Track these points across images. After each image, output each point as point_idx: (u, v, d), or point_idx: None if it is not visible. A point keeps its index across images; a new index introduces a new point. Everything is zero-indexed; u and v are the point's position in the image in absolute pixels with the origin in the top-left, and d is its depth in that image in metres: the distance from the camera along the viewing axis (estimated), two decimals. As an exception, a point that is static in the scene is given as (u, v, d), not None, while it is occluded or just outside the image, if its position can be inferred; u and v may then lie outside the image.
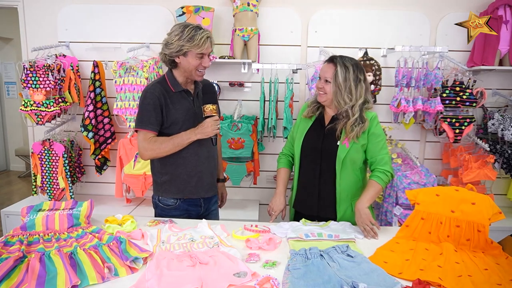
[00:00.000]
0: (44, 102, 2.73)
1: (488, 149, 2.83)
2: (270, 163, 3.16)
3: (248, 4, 2.83)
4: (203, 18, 2.85)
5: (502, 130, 2.81)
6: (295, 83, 3.00)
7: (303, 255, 1.44)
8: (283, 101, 2.89)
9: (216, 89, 2.20)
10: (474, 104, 2.75)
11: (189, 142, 1.87)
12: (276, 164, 2.13)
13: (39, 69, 2.72)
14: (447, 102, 2.74)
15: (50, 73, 2.72)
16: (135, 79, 2.77)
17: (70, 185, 2.91)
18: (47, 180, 2.93)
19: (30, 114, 2.78)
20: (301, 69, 2.93)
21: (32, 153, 2.93)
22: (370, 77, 2.79)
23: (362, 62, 2.79)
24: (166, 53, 1.84)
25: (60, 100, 2.83)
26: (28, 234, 1.58)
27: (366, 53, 2.88)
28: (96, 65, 2.91)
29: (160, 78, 1.95)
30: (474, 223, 1.60)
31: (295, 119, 2.12)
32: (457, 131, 2.81)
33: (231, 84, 3.06)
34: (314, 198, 1.93)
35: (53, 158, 2.89)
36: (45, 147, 2.88)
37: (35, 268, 1.33)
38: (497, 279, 1.36)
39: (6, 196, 5.13)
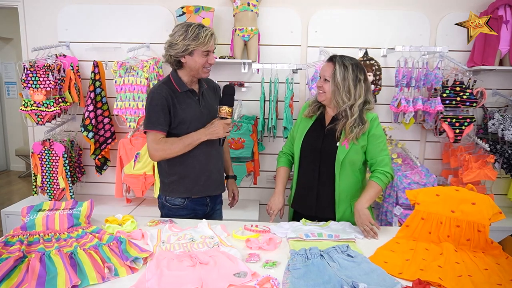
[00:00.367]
0: (44, 102, 2.73)
1: (488, 149, 2.83)
2: (270, 163, 3.16)
3: (248, 4, 2.83)
4: (203, 18, 2.85)
5: (502, 130, 2.81)
6: (295, 83, 3.00)
7: (303, 255, 1.44)
8: (283, 101, 2.89)
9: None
10: (474, 104, 2.75)
11: (199, 142, 1.88)
12: (276, 163, 2.13)
13: (39, 69, 2.72)
14: (447, 102, 2.74)
15: (50, 73, 2.72)
16: (135, 79, 2.77)
17: (70, 185, 2.91)
18: (47, 180, 2.93)
19: (30, 114, 2.78)
20: (301, 69, 2.93)
21: (32, 153, 2.93)
22: (370, 77, 2.79)
23: (362, 62, 2.79)
24: (172, 54, 1.84)
25: (60, 100, 2.83)
26: (28, 234, 1.58)
27: (366, 53, 2.88)
28: (96, 65, 2.91)
29: (165, 79, 1.94)
30: (474, 223, 1.60)
31: (295, 119, 2.12)
32: (457, 131, 2.81)
33: (231, 84, 3.06)
34: (313, 198, 1.93)
35: (53, 158, 2.89)
36: (45, 147, 2.88)
37: (35, 268, 1.33)
38: (497, 279, 1.36)
39: (6, 196, 5.13)
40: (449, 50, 2.75)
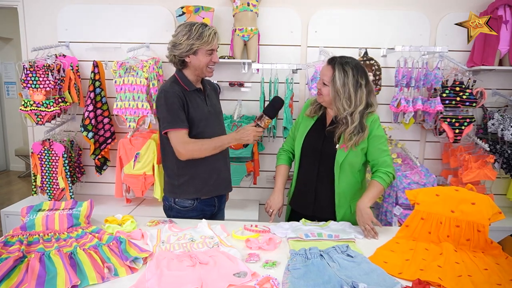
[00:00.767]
0: (44, 102, 2.73)
1: (488, 149, 2.83)
2: (270, 163, 3.16)
3: (248, 4, 2.83)
4: (203, 18, 2.85)
5: (502, 130, 2.81)
6: (295, 83, 3.00)
7: (303, 255, 1.44)
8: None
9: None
10: (474, 104, 2.75)
11: (228, 146, 1.88)
12: (276, 161, 2.12)
13: (39, 69, 2.72)
14: (447, 102, 2.74)
15: (50, 73, 2.72)
16: (135, 79, 2.77)
17: (70, 185, 2.91)
18: (47, 180, 2.93)
19: (30, 114, 2.78)
20: (301, 69, 2.93)
21: (32, 153, 2.93)
22: (370, 77, 2.79)
23: (362, 62, 2.79)
24: (176, 54, 1.84)
25: (60, 100, 2.83)
26: (28, 234, 1.58)
27: (366, 53, 2.88)
28: (96, 65, 2.91)
29: (172, 78, 1.93)
30: (474, 223, 1.60)
31: (295, 119, 2.11)
32: (457, 131, 2.81)
33: (231, 84, 3.06)
34: (311, 198, 1.93)
35: (53, 158, 2.89)
36: (45, 147, 2.88)
37: (35, 268, 1.33)
38: (497, 279, 1.37)
39: (6, 196, 5.13)
40: (449, 50, 2.75)
